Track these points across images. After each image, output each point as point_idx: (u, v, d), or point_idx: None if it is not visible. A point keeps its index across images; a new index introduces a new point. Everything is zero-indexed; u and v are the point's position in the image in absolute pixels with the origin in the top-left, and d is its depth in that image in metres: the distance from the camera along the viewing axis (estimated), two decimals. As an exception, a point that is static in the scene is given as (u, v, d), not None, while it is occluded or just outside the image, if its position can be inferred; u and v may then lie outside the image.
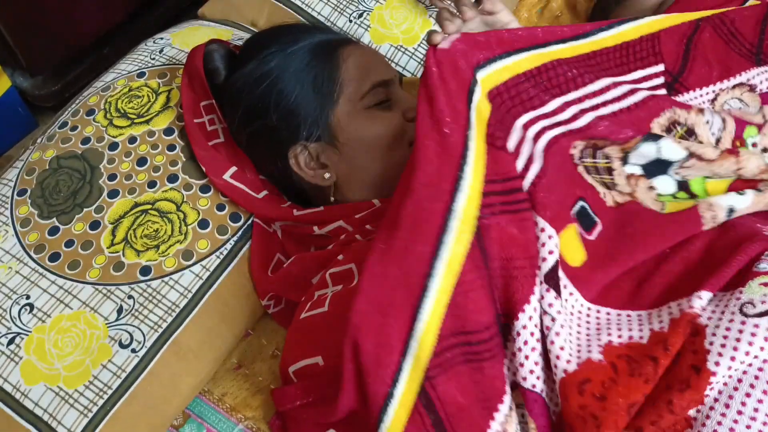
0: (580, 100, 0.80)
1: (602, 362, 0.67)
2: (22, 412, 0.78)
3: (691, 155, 0.81)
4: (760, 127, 0.87)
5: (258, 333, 0.91)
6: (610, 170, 0.81)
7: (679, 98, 0.89)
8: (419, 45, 1.10)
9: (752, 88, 0.90)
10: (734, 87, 0.90)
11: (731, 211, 0.78)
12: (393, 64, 1.10)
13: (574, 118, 0.79)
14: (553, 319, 0.68)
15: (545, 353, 0.67)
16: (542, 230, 0.70)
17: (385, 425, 0.63)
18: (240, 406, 0.85)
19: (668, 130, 0.84)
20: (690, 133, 0.84)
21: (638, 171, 0.81)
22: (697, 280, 0.70)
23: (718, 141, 0.85)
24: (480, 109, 0.72)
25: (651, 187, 0.81)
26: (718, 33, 0.92)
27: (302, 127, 0.84)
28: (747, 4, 1.00)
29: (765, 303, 0.67)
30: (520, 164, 0.73)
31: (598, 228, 0.77)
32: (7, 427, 0.77)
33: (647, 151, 0.80)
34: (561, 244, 0.71)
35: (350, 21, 1.11)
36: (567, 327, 0.69)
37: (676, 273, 0.73)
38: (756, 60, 0.91)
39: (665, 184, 0.82)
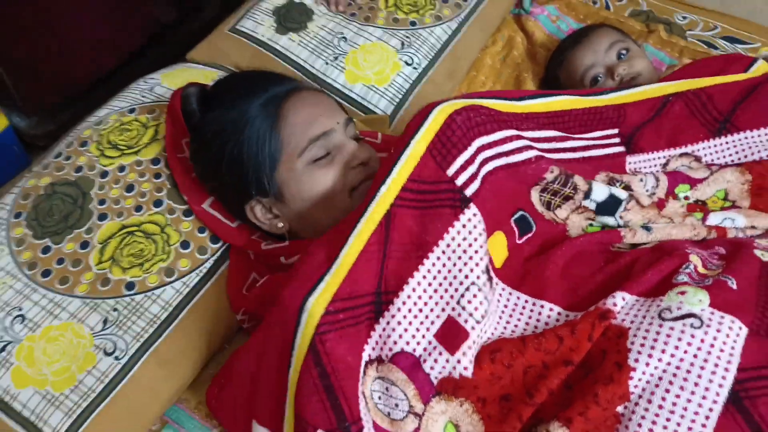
0: (529, 139, 0.91)
1: (513, 337, 0.76)
2: (11, 414, 0.84)
3: (631, 197, 0.92)
4: (693, 183, 0.98)
5: (233, 346, 0.97)
6: (567, 198, 0.91)
7: (635, 157, 1.00)
8: (389, 85, 1.20)
9: (698, 159, 1.01)
10: (681, 155, 1.01)
11: (647, 229, 0.89)
12: (366, 102, 1.19)
13: (517, 151, 0.89)
14: (483, 315, 0.77)
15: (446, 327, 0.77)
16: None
17: (294, 352, 0.74)
18: (212, 416, 0.91)
19: (610, 183, 0.95)
20: (627, 188, 0.95)
21: (592, 206, 0.92)
22: (618, 285, 0.79)
23: (652, 195, 0.96)
24: (432, 123, 0.83)
25: (590, 223, 0.92)
26: (689, 106, 1.03)
27: (253, 185, 0.90)
28: (753, 67, 1.09)
29: (680, 309, 0.75)
30: (462, 178, 0.82)
31: (530, 234, 0.87)
32: (-2, 428, 0.83)
33: (601, 192, 0.91)
34: (491, 243, 0.81)
35: (326, 63, 1.21)
36: (491, 317, 0.79)
37: (601, 281, 0.82)
38: (717, 130, 1.02)
39: (606, 222, 0.92)
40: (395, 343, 0.76)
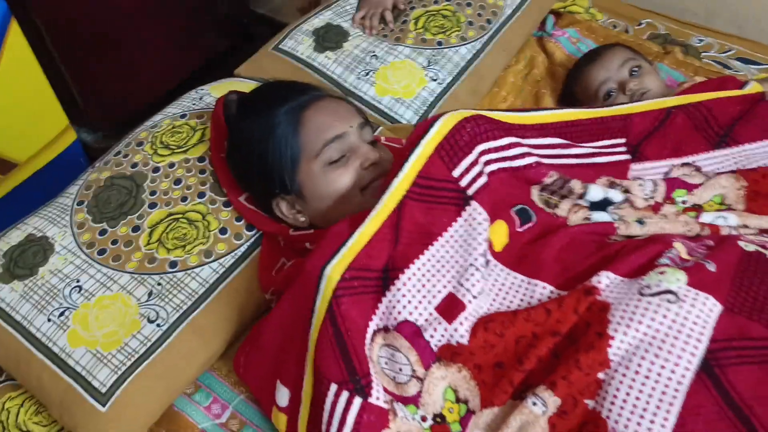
0: (532, 146, 1.00)
1: (509, 309, 0.84)
2: (66, 369, 0.96)
3: (626, 200, 1.00)
4: (689, 188, 1.05)
5: (261, 323, 1.08)
6: (563, 197, 1.00)
7: (638, 165, 1.08)
8: (415, 98, 1.31)
9: (698, 169, 1.09)
10: (682, 165, 1.09)
11: (641, 222, 0.97)
12: (393, 113, 1.30)
13: (519, 157, 0.98)
14: (479, 291, 0.86)
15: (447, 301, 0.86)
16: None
17: (315, 313, 0.84)
18: (241, 382, 1.01)
19: (609, 187, 1.03)
20: (626, 191, 1.03)
21: (586, 204, 1.00)
22: (605, 267, 0.87)
23: (649, 199, 1.04)
24: (441, 128, 0.93)
25: (587, 218, 1.00)
26: (690, 118, 1.11)
27: (278, 184, 1.01)
28: (746, 88, 1.18)
29: (659, 286, 0.82)
30: (466, 179, 0.92)
31: (530, 224, 0.95)
32: (53, 380, 0.95)
33: (596, 193, 1.00)
34: (492, 231, 0.89)
35: (358, 78, 1.33)
36: (486, 294, 0.87)
37: (591, 263, 0.90)
38: (718, 143, 1.10)
39: (601, 217, 1.00)
40: (399, 313, 0.85)
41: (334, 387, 0.82)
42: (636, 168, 1.09)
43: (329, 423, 0.82)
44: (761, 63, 1.41)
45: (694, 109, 1.12)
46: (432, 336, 0.85)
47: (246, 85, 1.34)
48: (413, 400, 0.85)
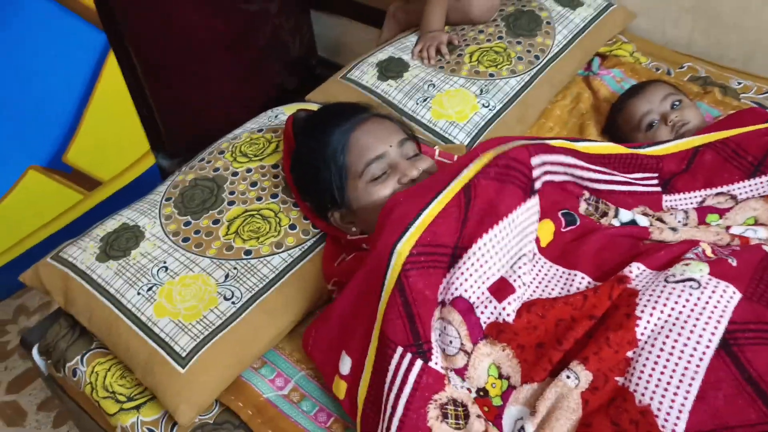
0: (576, 174, 1.12)
1: (550, 296, 0.94)
2: (151, 335, 1.08)
3: (651, 224, 1.10)
4: (721, 213, 1.14)
5: (322, 311, 1.19)
6: (604, 214, 1.11)
7: (671, 196, 1.19)
8: (467, 122, 1.44)
9: (733, 197, 1.18)
10: (717, 195, 1.18)
11: (674, 230, 1.06)
12: (447, 134, 1.43)
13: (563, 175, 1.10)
14: (526, 282, 0.97)
15: (499, 283, 0.96)
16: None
17: (385, 286, 0.94)
18: (304, 360, 1.12)
19: (643, 215, 1.13)
20: (659, 220, 1.13)
21: (617, 224, 1.11)
22: (636, 260, 0.96)
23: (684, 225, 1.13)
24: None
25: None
26: (719, 153, 1.21)
27: (330, 200, 1.14)
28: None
29: (683, 275, 0.92)
30: (536, 172, 1.04)
31: (573, 226, 1.05)
32: (140, 345, 1.08)
33: (625, 216, 1.10)
34: (540, 227, 1.00)
35: (417, 103, 1.47)
36: (532, 282, 0.98)
37: (624, 259, 0.99)
38: (753, 172, 1.19)
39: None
40: (456, 289, 0.95)
41: (399, 350, 0.92)
42: (668, 199, 1.18)
43: (392, 383, 0.91)
44: (796, 103, 1.50)
45: (721, 144, 1.21)
46: (482, 313, 0.95)
47: (315, 107, 1.50)
48: (459, 373, 0.94)
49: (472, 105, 1.45)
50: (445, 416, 0.90)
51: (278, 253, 1.18)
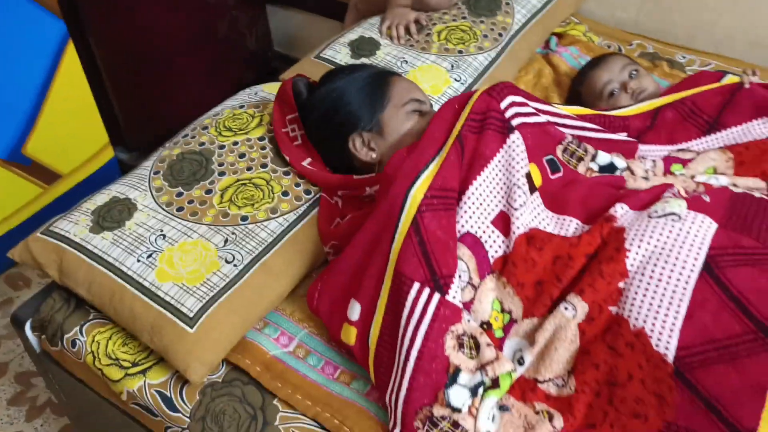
0: (558, 115, 1.20)
1: (546, 230, 1.01)
2: (156, 299, 1.09)
3: (628, 167, 1.19)
4: (684, 162, 1.25)
5: (318, 274, 1.23)
6: (580, 159, 1.19)
7: (643, 146, 1.29)
8: (442, 95, 1.51)
9: (694, 151, 1.29)
10: (678, 150, 1.29)
11: (646, 179, 1.16)
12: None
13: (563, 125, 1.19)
14: (521, 205, 1.04)
15: (500, 217, 1.04)
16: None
17: (399, 228, 1.00)
18: (305, 319, 1.16)
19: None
20: (629, 169, 1.23)
21: (596, 168, 1.19)
22: (619, 201, 1.05)
23: (649, 172, 1.24)
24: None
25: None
26: (679, 112, 1.32)
27: (360, 122, 1.22)
28: (724, 80, 1.38)
29: (664, 210, 1.01)
30: (510, 112, 1.13)
31: (559, 174, 1.13)
32: (145, 309, 1.09)
33: (604, 158, 1.19)
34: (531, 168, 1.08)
35: (391, 79, 1.53)
36: (528, 211, 1.05)
37: (608, 202, 1.08)
38: (708, 129, 1.31)
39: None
40: (462, 226, 1.02)
41: (416, 285, 0.97)
42: (642, 148, 1.29)
43: (410, 316, 0.96)
44: (736, 74, 1.63)
45: (680, 104, 1.33)
46: (491, 246, 1.02)
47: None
48: (466, 306, 1.00)
49: (444, 79, 1.52)
50: (461, 346, 0.96)
51: (274, 218, 1.21)
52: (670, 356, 0.91)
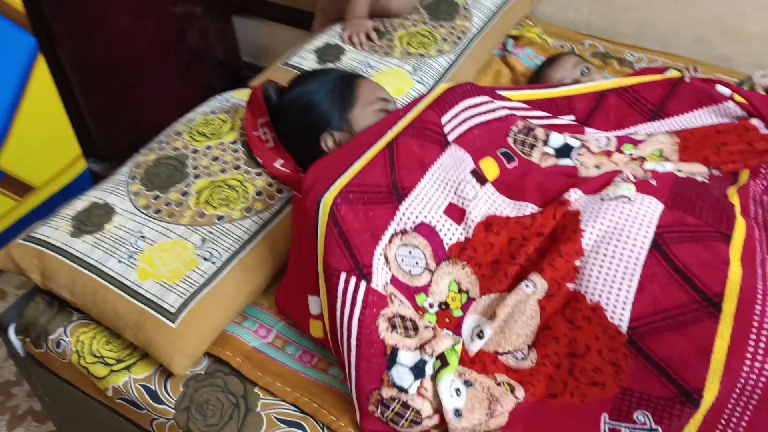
0: (509, 108, 1.28)
1: (503, 215, 1.08)
2: (138, 297, 1.14)
3: (583, 146, 1.27)
4: (635, 143, 1.33)
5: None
6: (532, 146, 1.26)
7: (590, 130, 1.37)
8: (405, 96, 1.57)
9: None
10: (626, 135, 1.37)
11: (598, 167, 1.23)
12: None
13: (491, 111, 1.27)
14: (473, 197, 1.11)
15: (450, 208, 1.10)
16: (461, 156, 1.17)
17: (319, 224, 1.05)
18: (281, 314, 1.21)
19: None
20: (584, 146, 1.30)
21: (551, 152, 1.26)
22: (573, 187, 1.13)
23: (604, 147, 1.31)
24: (436, 92, 1.20)
25: (555, 164, 1.26)
26: (622, 98, 1.40)
27: (330, 122, 1.28)
28: (666, 74, 1.46)
29: (615, 193, 1.09)
30: (448, 128, 1.20)
31: (515, 164, 1.21)
32: (128, 307, 1.13)
33: (557, 139, 1.26)
34: (482, 164, 1.16)
35: (357, 82, 1.59)
36: (482, 201, 1.12)
37: (563, 188, 1.15)
38: (652, 117, 1.39)
39: (566, 162, 1.27)
40: (416, 217, 1.08)
41: (343, 275, 1.02)
42: (589, 132, 1.37)
43: (343, 305, 1.01)
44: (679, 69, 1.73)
45: (623, 91, 1.42)
46: (445, 234, 1.08)
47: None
48: (424, 289, 1.07)
49: (408, 81, 1.59)
50: (393, 327, 1.01)
51: (249, 216, 1.26)
52: (624, 327, 0.98)
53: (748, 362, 0.92)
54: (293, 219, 1.21)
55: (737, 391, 0.92)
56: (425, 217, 1.09)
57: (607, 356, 0.99)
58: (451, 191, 1.12)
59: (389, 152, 1.13)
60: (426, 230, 1.08)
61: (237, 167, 1.34)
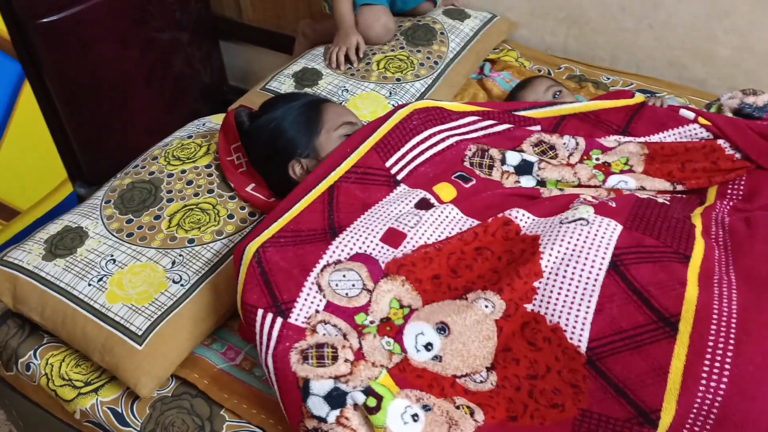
0: (457, 127, 1.30)
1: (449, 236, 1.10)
2: (106, 320, 1.15)
3: (541, 160, 1.28)
4: (604, 149, 1.33)
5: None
6: (490, 167, 1.27)
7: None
8: (380, 120, 1.60)
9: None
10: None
11: (561, 190, 1.25)
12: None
13: (441, 141, 1.29)
14: (415, 224, 1.12)
15: (388, 234, 1.11)
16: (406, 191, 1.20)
17: (242, 267, 1.08)
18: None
19: (536, 145, 1.31)
20: (551, 148, 1.31)
21: (511, 170, 1.28)
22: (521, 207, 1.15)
23: (571, 155, 1.31)
24: (381, 130, 1.24)
25: (517, 182, 1.27)
26: (582, 120, 1.41)
27: (297, 150, 1.30)
28: (634, 98, 1.46)
29: (573, 216, 1.10)
30: (396, 168, 1.23)
31: (473, 182, 1.22)
32: (96, 330, 1.14)
33: (513, 157, 1.28)
34: (437, 189, 1.19)
35: (333, 107, 1.62)
36: (430, 224, 1.13)
37: (510, 207, 1.16)
38: (620, 133, 1.40)
39: (528, 181, 1.28)
40: (351, 249, 1.09)
41: (260, 312, 1.03)
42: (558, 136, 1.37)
43: (260, 342, 1.02)
44: (656, 93, 1.75)
45: (584, 116, 1.41)
46: (379, 258, 1.09)
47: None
48: (363, 309, 1.05)
49: (383, 105, 1.62)
50: (305, 358, 0.99)
51: (220, 239, 1.27)
52: (583, 347, 0.99)
53: (704, 381, 0.92)
54: None
55: (694, 410, 0.92)
56: (360, 247, 1.10)
57: (566, 377, 1.00)
58: (390, 218, 1.14)
59: (329, 196, 1.16)
60: (361, 257, 1.09)
61: (210, 191, 1.35)
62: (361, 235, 1.11)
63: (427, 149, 1.26)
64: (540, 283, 1.05)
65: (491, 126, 1.33)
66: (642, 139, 1.37)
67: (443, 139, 1.28)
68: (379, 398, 0.95)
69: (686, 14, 1.76)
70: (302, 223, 1.12)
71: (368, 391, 0.96)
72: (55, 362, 1.19)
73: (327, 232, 1.12)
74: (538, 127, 1.38)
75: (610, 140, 1.35)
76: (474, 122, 1.32)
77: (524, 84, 1.65)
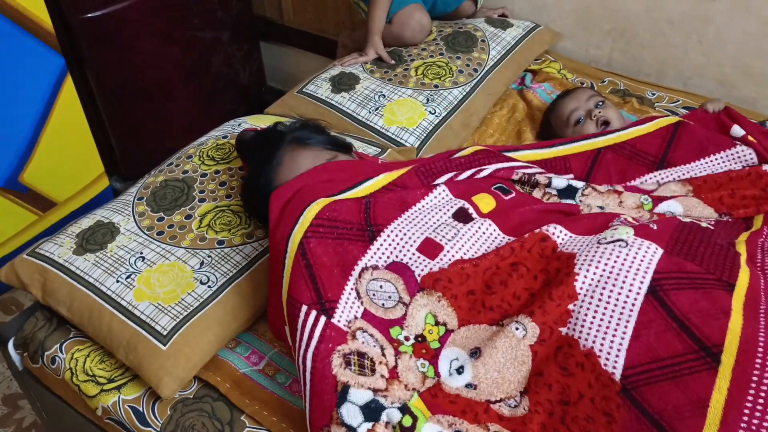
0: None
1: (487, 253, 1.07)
2: (132, 318, 1.15)
3: (588, 185, 1.24)
4: (647, 193, 1.29)
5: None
6: (533, 187, 1.24)
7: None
8: (417, 127, 1.57)
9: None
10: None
11: (602, 208, 1.20)
12: (399, 138, 1.56)
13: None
14: (453, 237, 1.09)
15: (425, 243, 1.08)
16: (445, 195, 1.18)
17: (287, 257, 1.05)
18: (275, 339, 1.20)
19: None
20: (594, 188, 1.27)
21: (554, 192, 1.24)
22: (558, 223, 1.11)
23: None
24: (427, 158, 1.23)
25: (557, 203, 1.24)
26: (618, 154, 1.37)
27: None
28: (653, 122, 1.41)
29: (612, 237, 1.05)
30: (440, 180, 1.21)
31: (512, 195, 1.19)
32: (121, 327, 1.14)
33: (560, 182, 1.24)
34: (476, 199, 1.16)
35: (369, 112, 1.60)
36: (467, 238, 1.10)
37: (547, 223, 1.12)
38: (657, 166, 1.35)
39: (569, 202, 1.24)
40: (388, 256, 1.07)
41: (304, 308, 1.01)
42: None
43: (300, 338, 1.00)
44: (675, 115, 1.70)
45: (619, 147, 1.37)
46: (417, 267, 1.06)
47: (274, 119, 1.61)
48: (398, 322, 1.04)
49: (420, 112, 1.59)
50: (348, 363, 0.98)
51: (250, 242, 1.26)
52: (618, 375, 0.95)
53: (746, 418, 0.87)
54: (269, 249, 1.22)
55: (734, 446, 0.88)
56: (396, 256, 1.07)
57: (599, 405, 0.96)
58: (428, 228, 1.11)
59: (366, 203, 1.14)
60: (397, 267, 1.07)
61: (242, 193, 1.34)
62: (399, 242, 1.08)
63: (471, 175, 1.24)
64: (575, 305, 1.01)
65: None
66: (682, 171, 1.32)
67: (484, 169, 1.26)
68: (415, 418, 0.94)
69: (737, 31, 1.70)
70: (338, 212, 1.10)
71: (405, 410, 0.95)
72: (80, 357, 1.19)
73: (363, 227, 1.09)
74: (571, 177, 1.35)
75: (649, 183, 1.31)
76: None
77: (566, 93, 1.61)
